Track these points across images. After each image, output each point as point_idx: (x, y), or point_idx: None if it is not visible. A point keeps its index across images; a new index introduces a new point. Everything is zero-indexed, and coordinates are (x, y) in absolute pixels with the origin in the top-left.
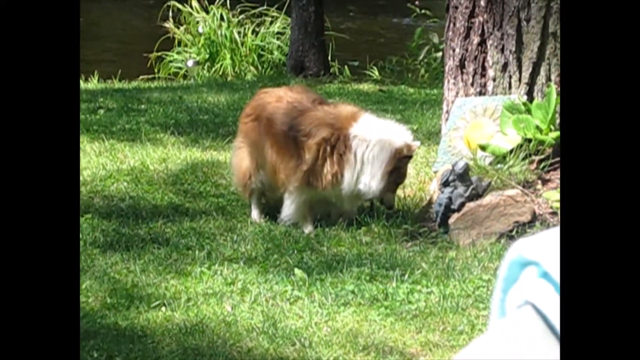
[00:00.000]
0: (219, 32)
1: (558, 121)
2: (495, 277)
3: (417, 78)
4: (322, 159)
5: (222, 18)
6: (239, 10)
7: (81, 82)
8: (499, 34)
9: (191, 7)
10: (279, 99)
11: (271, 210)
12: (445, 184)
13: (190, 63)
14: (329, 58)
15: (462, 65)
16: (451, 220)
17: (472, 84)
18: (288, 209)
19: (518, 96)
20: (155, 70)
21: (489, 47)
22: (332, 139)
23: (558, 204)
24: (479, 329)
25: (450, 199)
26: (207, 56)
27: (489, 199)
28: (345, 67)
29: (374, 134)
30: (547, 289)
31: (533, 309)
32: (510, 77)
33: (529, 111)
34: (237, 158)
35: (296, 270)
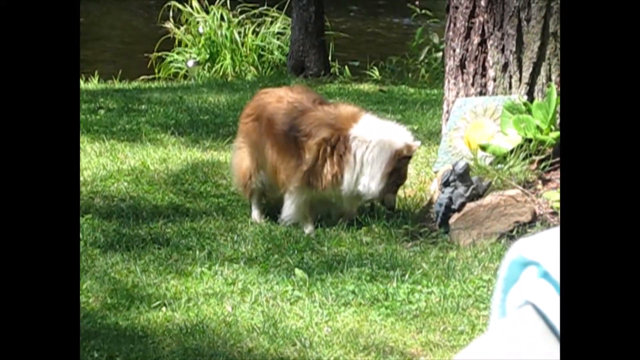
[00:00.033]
0: (219, 33)
1: (558, 121)
2: (495, 277)
3: (418, 78)
4: (322, 160)
5: (222, 18)
6: (239, 10)
7: (81, 83)
8: (500, 34)
9: (191, 7)
10: (280, 99)
11: (271, 211)
12: (446, 184)
13: (190, 63)
14: (330, 58)
15: (462, 66)
16: (451, 221)
17: (472, 84)
18: (288, 209)
19: (518, 96)
20: (156, 71)
21: (489, 47)
22: (332, 140)
23: (558, 204)
24: (480, 329)
25: (450, 199)
26: (207, 56)
27: (489, 199)
28: (346, 67)
29: (373, 135)
30: (548, 289)
31: (533, 309)
32: (510, 77)
33: (529, 111)
34: (238, 158)
35: (297, 271)
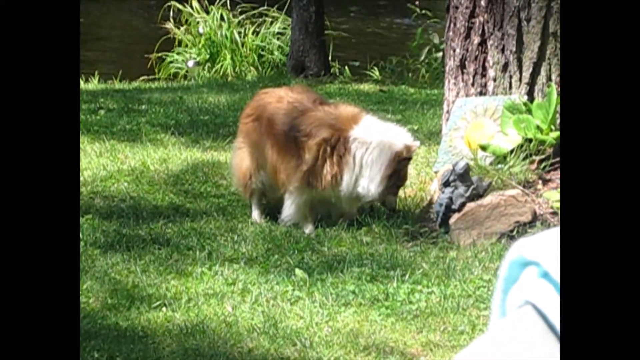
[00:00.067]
0: (220, 33)
1: (558, 121)
2: (495, 277)
3: (418, 78)
4: (322, 160)
5: (222, 18)
6: (239, 10)
7: (82, 83)
8: (500, 34)
9: (191, 7)
10: (280, 99)
11: (272, 211)
12: (446, 184)
13: (190, 63)
14: (330, 58)
15: (462, 66)
16: (452, 221)
17: (472, 84)
18: (288, 209)
19: (519, 96)
20: (156, 71)
21: (489, 47)
22: (332, 140)
23: (558, 204)
24: (480, 329)
25: (450, 199)
26: (207, 57)
27: (489, 199)
28: (346, 67)
29: (373, 137)
30: (548, 289)
31: (533, 309)
32: (510, 77)
33: (529, 111)
34: (238, 158)
35: (297, 271)
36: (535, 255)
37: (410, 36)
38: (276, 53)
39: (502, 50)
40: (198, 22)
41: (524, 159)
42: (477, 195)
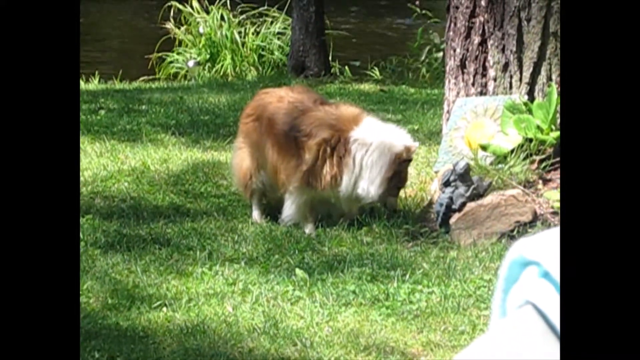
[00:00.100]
0: (220, 33)
1: (559, 121)
2: (496, 277)
3: (418, 78)
4: (322, 160)
5: (222, 18)
6: (239, 10)
7: (82, 83)
8: (500, 34)
9: (192, 7)
10: (280, 99)
11: (272, 211)
12: (446, 184)
13: (191, 63)
14: (330, 58)
15: (462, 65)
16: (452, 220)
17: (473, 84)
18: (289, 209)
19: (519, 96)
20: (156, 71)
21: (489, 47)
22: (332, 140)
23: (559, 204)
24: (480, 329)
25: (451, 199)
26: (207, 57)
27: (489, 198)
28: (346, 67)
29: (374, 139)
30: (548, 289)
31: (534, 309)
32: (511, 77)
33: (529, 111)
34: (238, 158)
35: (297, 271)
36: (535, 255)
37: (411, 36)
38: (276, 53)
39: (503, 50)
40: (198, 22)
41: (525, 158)
42: (477, 195)
